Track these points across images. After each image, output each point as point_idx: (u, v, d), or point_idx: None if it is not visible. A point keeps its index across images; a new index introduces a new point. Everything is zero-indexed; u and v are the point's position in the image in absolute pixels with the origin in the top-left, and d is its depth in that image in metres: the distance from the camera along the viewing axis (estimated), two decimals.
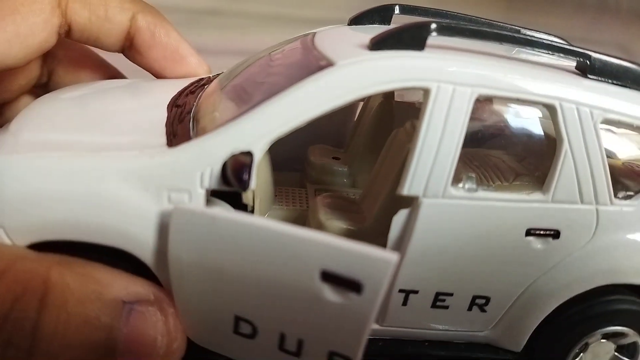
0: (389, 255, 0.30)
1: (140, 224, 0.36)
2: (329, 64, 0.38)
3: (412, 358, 0.44)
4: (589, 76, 0.41)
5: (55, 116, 0.42)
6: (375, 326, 0.42)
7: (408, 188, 0.38)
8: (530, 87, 0.39)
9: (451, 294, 0.41)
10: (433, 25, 0.39)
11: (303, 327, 0.34)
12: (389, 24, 0.51)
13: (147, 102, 0.45)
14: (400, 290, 0.40)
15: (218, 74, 0.50)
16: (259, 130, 0.37)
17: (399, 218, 0.39)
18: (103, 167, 0.36)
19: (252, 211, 0.42)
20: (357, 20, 0.51)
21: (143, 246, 0.36)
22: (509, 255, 0.40)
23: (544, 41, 0.41)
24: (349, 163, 0.56)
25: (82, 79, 0.53)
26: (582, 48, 0.44)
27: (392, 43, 0.39)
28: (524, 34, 0.41)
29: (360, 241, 0.30)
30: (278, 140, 0.62)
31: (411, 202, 0.39)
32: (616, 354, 0.45)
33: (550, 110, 0.39)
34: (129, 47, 0.51)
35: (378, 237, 0.41)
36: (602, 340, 0.44)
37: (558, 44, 0.41)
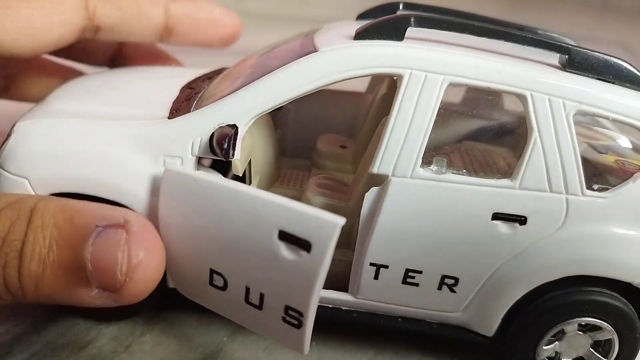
0: (335, 219, 0.34)
1: (138, 183, 0.42)
2: (314, 50, 0.42)
3: (386, 331, 0.47)
4: (568, 69, 0.42)
5: (82, 91, 0.49)
6: (350, 298, 0.45)
7: (378, 167, 0.41)
8: (502, 77, 0.40)
9: (420, 272, 0.43)
10: (412, 18, 0.42)
11: (263, 282, 0.38)
12: None
13: (164, 84, 0.51)
14: (371, 264, 0.43)
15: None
16: (243, 107, 0.42)
17: (370, 195, 0.42)
18: (111, 133, 0.42)
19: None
20: (364, 17, 0.54)
21: (138, 202, 0.42)
22: (475, 237, 0.42)
23: (524, 35, 0.42)
24: (354, 151, 0.59)
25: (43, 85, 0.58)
26: (574, 45, 0.45)
27: (374, 33, 0.42)
28: (505, 29, 0.43)
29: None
30: (298, 129, 0.67)
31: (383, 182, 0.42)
32: (591, 349, 0.45)
33: (521, 100, 0.41)
34: (169, 35, 0.55)
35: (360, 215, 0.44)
36: (579, 332, 0.44)
37: (538, 39, 0.42)
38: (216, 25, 0.57)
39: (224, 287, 0.40)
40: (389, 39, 0.42)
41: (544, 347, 0.44)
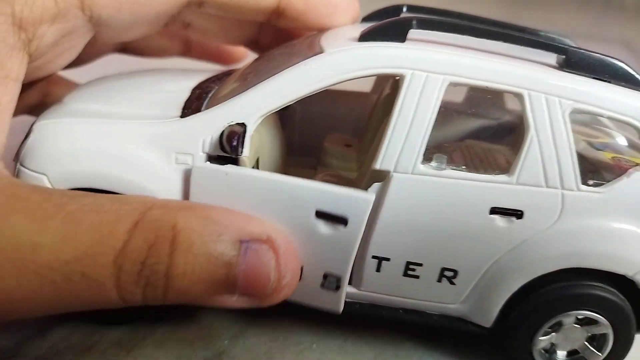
0: (367, 195, 0.41)
1: (152, 178, 0.44)
2: (320, 51, 0.44)
3: (387, 322, 0.48)
4: (565, 69, 0.43)
5: (98, 92, 0.51)
6: (353, 290, 0.47)
7: (380, 163, 0.43)
8: (500, 76, 0.42)
9: (421, 264, 0.45)
10: (414, 21, 0.43)
11: (303, 257, 0.42)
12: None
13: (176, 85, 0.53)
14: (374, 257, 0.45)
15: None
16: (252, 106, 0.43)
17: (373, 190, 0.44)
18: (127, 131, 0.45)
19: None
20: (368, 19, 0.56)
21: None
22: (473, 230, 0.43)
23: (523, 36, 0.44)
24: (359, 150, 0.61)
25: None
26: (572, 45, 0.47)
27: (377, 35, 0.44)
28: (504, 30, 0.45)
29: None
30: (304, 128, 0.69)
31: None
32: (586, 343, 0.46)
33: (518, 98, 0.42)
34: (278, 17, 0.52)
35: None
36: (575, 325, 0.46)
37: (536, 40, 0.44)
38: (333, 10, 0.52)
39: None
40: (391, 41, 0.43)
41: (540, 338, 0.46)
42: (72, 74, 0.61)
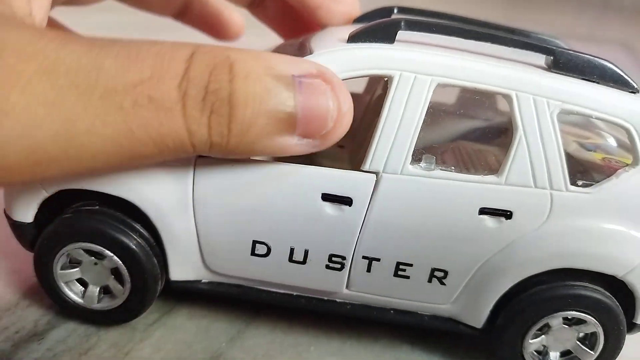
0: (370, 175, 0.43)
1: (141, 178, 0.44)
2: (309, 53, 0.44)
3: (378, 322, 0.48)
4: (553, 70, 0.43)
5: None
6: (345, 291, 0.47)
7: (369, 164, 0.43)
8: (488, 77, 0.42)
9: (411, 265, 0.45)
10: (402, 22, 0.44)
11: (309, 239, 0.45)
12: None
13: None
14: (364, 257, 0.45)
15: None
16: None
17: None
18: None
19: None
20: (359, 20, 0.56)
21: (143, 197, 0.44)
22: (463, 231, 0.43)
23: (511, 37, 0.44)
24: (351, 151, 0.61)
25: None
26: (562, 46, 0.47)
27: (366, 36, 0.44)
28: (492, 31, 0.45)
29: None
30: None
31: None
32: (578, 342, 0.46)
33: (506, 99, 0.42)
34: None
35: None
36: (564, 326, 0.46)
37: (524, 41, 0.44)
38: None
39: (267, 254, 0.45)
40: (380, 42, 0.44)
41: (530, 341, 0.46)
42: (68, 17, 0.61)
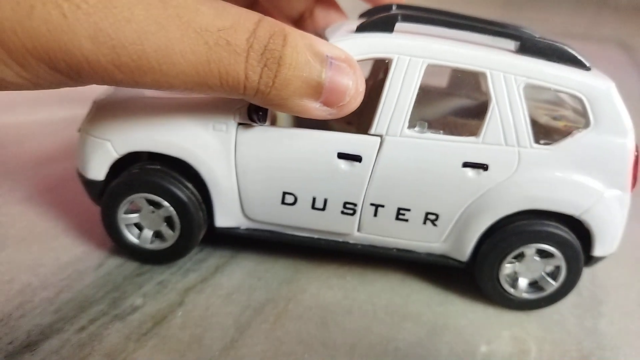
0: (375, 138, 0.54)
1: (195, 142, 0.55)
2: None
3: (383, 259, 0.60)
4: (520, 53, 0.55)
5: None
6: (356, 233, 0.59)
7: (375, 129, 0.54)
8: (467, 59, 0.53)
9: (409, 209, 0.56)
10: (399, 15, 0.55)
11: (327, 189, 0.56)
12: None
13: None
14: (371, 204, 0.57)
15: None
16: None
17: None
18: (174, 106, 0.56)
19: None
20: (364, 15, 0.68)
21: (197, 157, 0.55)
22: (450, 181, 0.55)
23: (486, 27, 0.55)
24: (359, 128, 0.72)
25: None
26: (530, 34, 0.58)
27: (370, 28, 0.55)
28: (471, 22, 0.56)
29: None
30: None
31: None
32: (543, 274, 0.58)
33: (481, 77, 0.54)
34: None
35: None
36: (535, 258, 0.57)
37: (497, 30, 0.55)
38: None
39: (294, 203, 0.57)
40: (382, 32, 0.55)
41: (506, 265, 0.57)
42: None
